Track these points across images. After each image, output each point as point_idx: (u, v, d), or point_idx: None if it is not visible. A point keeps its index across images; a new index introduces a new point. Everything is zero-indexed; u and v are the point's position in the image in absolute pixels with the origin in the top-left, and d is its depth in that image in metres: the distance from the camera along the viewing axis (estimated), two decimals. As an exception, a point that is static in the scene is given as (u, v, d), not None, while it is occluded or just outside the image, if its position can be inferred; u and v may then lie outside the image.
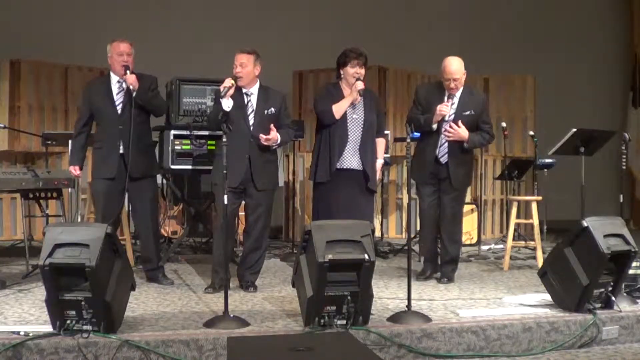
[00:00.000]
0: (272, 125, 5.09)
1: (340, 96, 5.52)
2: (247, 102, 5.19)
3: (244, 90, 5.19)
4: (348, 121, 5.50)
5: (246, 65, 5.12)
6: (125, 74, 5.21)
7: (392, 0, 10.26)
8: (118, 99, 5.29)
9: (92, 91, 5.37)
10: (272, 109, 5.21)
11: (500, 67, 9.78)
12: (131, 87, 5.20)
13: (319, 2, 9.97)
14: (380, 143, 5.66)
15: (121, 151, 5.24)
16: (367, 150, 5.50)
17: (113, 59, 5.29)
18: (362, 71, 5.55)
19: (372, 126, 5.55)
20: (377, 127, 5.62)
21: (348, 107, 5.50)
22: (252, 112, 5.18)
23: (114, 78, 5.33)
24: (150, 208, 5.46)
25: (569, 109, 10.10)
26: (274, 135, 5.08)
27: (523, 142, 9.41)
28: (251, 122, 5.15)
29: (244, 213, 5.49)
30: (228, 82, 5.03)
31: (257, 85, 5.25)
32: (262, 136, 5.04)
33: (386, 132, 7.12)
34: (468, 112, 5.61)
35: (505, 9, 10.61)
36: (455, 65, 5.54)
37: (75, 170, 5.33)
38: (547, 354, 4.19)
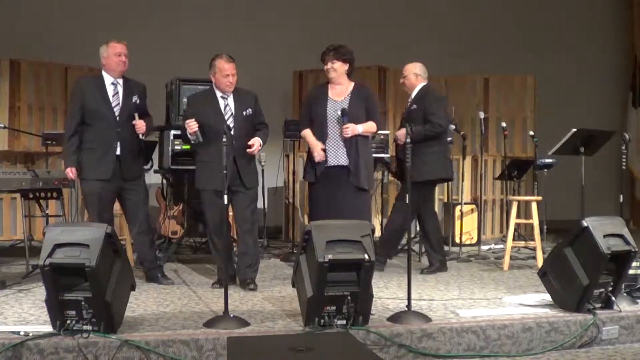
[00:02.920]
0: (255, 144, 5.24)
1: (324, 98, 5.56)
2: (225, 107, 5.29)
3: (219, 95, 5.30)
4: (328, 119, 5.52)
5: (235, 75, 5.28)
6: (134, 118, 5.30)
7: (392, 0, 10.27)
8: (114, 101, 5.31)
9: (85, 91, 5.33)
10: (249, 110, 5.33)
11: (500, 67, 9.79)
12: (141, 136, 5.35)
13: (320, 2, 9.97)
14: (369, 122, 5.57)
15: (118, 152, 5.28)
16: (351, 146, 5.47)
17: (110, 58, 5.31)
18: (335, 65, 5.55)
19: (356, 122, 5.49)
20: (369, 120, 5.57)
21: (330, 102, 5.54)
22: (230, 115, 5.27)
23: (108, 79, 5.35)
24: (144, 208, 5.47)
25: (569, 109, 10.10)
26: (257, 143, 5.24)
27: (523, 142, 9.40)
28: (232, 125, 5.22)
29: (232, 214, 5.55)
30: (195, 126, 5.11)
31: (232, 89, 5.37)
32: (248, 150, 5.21)
33: (386, 131, 7.17)
34: (414, 107, 6.07)
35: (505, 10, 10.61)
36: (408, 64, 6.27)
37: (72, 172, 5.28)
38: (547, 354, 4.19)
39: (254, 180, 5.38)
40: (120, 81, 5.37)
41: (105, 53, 5.33)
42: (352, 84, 5.61)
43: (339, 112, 5.47)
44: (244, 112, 5.30)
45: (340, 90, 5.57)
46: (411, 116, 6.00)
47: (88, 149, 5.28)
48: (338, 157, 5.49)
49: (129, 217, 5.51)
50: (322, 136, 5.51)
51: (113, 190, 5.32)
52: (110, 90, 5.33)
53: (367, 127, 5.53)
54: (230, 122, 5.23)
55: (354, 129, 5.43)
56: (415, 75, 6.16)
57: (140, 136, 5.37)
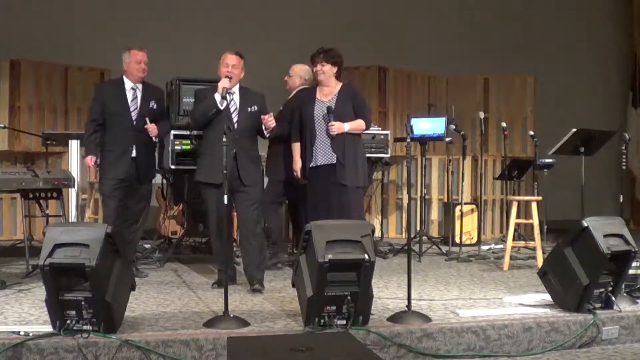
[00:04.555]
0: (271, 114, 5.24)
1: (312, 99, 5.60)
2: (230, 101, 5.27)
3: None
4: (315, 120, 5.54)
5: (237, 67, 5.27)
6: (146, 122, 5.49)
7: (393, 1, 10.27)
8: (132, 105, 5.53)
9: (106, 95, 5.57)
10: (255, 107, 5.31)
11: (500, 67, 9.79)
12: (154, 138, 5.57)
13: (319, 2, 9.97)
14: (357, 120, 5.57)
15: (133, 155, 5.48)
16: (339, 144, 5.47)
17: (131, 65, 5.52)
18: (324, 68, 5.57)
19: (344, 120, 5.49)
20: (357, 118, 5.57)
21: (318, 103, 5.57)
22: (235, 110, 5.28)
23: (128, 84, 5.56)
24: (145, 208, 5.71)
25: (569, 109, 10.10)
26: (272, 118, 5.25)
27: (523, 142, 9.41)
28: (235, 120, 5.23)
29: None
30: (227, 82, 5.16)
31: (237, 85, 5.34)
32: (265, 120, 5.20)
33: (386, 131, 7.18)
34: (281, 109, 6.21)
35: (506, 10, 10.61)
36: (297, 65, 6.36)
37: (91, 161, 5.49)
38: (547, 354, 4.19)
39: (253, 178, 5.28)
40: (140, 86, 5.58)
41: (127, 59, 5.53)
42: (340, 84, 5.65)
43: (325, 111, 5.50)
44: (249, 109, 5.28)
45: (328, 92, 5.60)
46: (281, 115, 6.01)
47: (107, 150, 5.52)
48: (327, 156, 5.50)
49: (129, 213, 5.61)
50: (311, 137, 5.53)
51: (126, 190, 5.51)
52: (129, 94, 5.54)
53: (355, 125, 5.55)
54: (234, 117, 5.23)
55: (339, 126, 5.46)
56: (300, 78, 6.32)
57: (154, 139, 5.56)
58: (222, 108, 5.15)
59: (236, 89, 5.33)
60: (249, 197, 5.23)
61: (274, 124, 5.29)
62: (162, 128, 5.66)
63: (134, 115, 5.51)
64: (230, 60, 5.25)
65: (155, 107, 5.62)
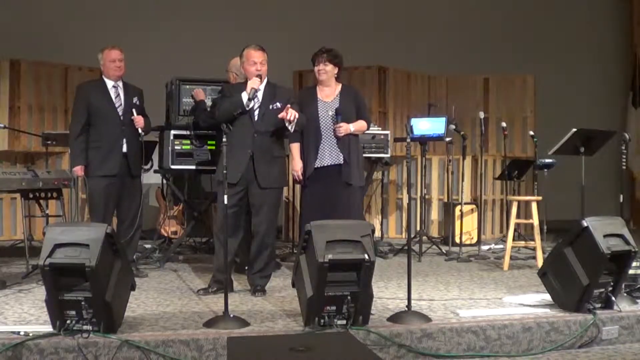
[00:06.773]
0: (288, 105, 4.97)
1: (314, 100, 5.57)
2: (254, 97, 5.07)
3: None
4: (320, 120, 5.52)
5: (264, 64, 5.09)
6: (133, 114, 5.55)
7: (393, 1, 10.26)
8: (117, 102, 5.58)
9: (90, 94, 5.58)
10: (278, 104, 5.06)
11: (500, 67, 9.79)
12: (140, 131, 5.56)
13: (319, 2, 9.97)
14: (359, 121, 5.58)
15: (124, 150, 5.50)
16: (345, 145, 5.48)
17: (106, 65, 5.58)
18: (327, 67, 5.55)
19: (348, 121, 5.52)
20: (359, 119, 5.59)
21: (320, 103, 5.55)
22: (257, 107, 5.07)
23: (109, 83, 5.61)
24: (140, 204, 5.69)
25: (569, 109, 10.09)
26: (292, 111, 4.92)
27: (523, 142, 9.41)
28: (256, 117, 5.05)
29: None
30: (257, 82, 5.00)
31: (265, 81, 5.16)
32: (280, 115, 4.93)
33: (386, 131, 7.18)
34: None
35: (506, 9, 10.61)
36: (235, 59, 5.71)
37: (81, 171, 5.49)
38: (547, 354, 4.20)
39: (272, 180, 5.05)
40: (120, 84, 5.64)
41: (102, 60, 5.59)
42: (340, 85, 5.67)
43: (332, 112, 5.50)
44: (272, 106, 5.05)
45: (329, 92, 5.60)
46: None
47: (94, 147, 5.50)
48: (333, 156, 5.50)
49: (124, 211, 5.64)
50: (315, 137, 5.51)
51: (118, 187, 5.52)
52: (112, 92, 5.58)
53: (359, 126, 5.58)
54: (255, 115, 5.03)
55: (346, 127, 5.47)
56: (233, 74, 5.96)
57: (140, 131, 5.56)
58: (247, 109, 4.98)
59: (263, 85, 5.11)
60: (262, 201, 5.04)
61: (294, 115, 4.92)
62: (146, 124, 5.69)
63: (120, 110, 5.55)
64: (257, 57, 5.05)
65: (138, 103, 5.68)
